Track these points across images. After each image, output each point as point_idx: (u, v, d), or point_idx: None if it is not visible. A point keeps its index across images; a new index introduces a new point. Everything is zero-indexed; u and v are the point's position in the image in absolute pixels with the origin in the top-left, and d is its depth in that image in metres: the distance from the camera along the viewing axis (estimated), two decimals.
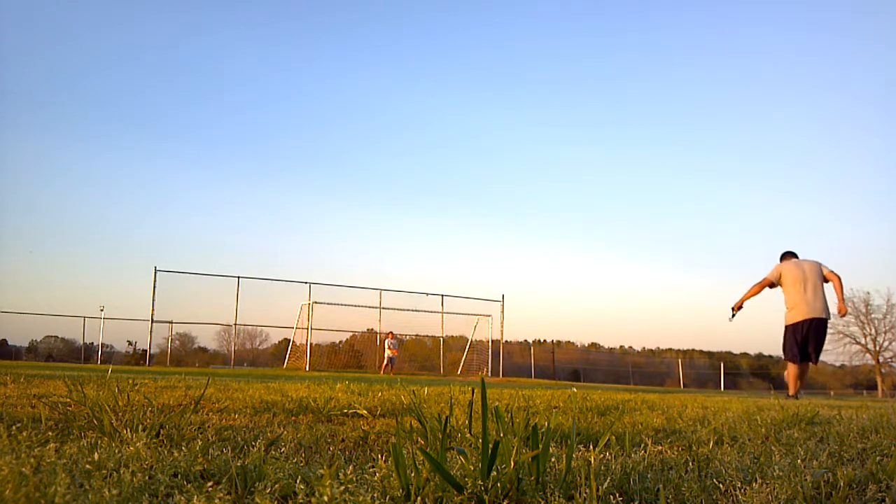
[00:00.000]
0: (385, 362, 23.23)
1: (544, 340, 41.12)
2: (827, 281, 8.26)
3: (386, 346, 23.58)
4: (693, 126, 56.47)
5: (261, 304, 27.83)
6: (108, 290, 51.69)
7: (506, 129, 54.91)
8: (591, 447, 1.89)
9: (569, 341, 48.98)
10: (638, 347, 54.67)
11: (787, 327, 8.36)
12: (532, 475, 1.36)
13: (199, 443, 1.65)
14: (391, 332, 24.07)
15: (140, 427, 1.84)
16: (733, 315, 8.76)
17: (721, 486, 1.49)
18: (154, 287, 22.36)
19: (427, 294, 27.34)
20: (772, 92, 56.16)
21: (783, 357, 8.52)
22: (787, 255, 8.66)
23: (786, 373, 8.59)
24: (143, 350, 27.63)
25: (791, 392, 8.29)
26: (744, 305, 8.65)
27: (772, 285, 8.50)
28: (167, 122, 50.98)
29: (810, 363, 8.29)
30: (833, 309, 8.31)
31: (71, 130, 47.65)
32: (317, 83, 51.14)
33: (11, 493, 1.12)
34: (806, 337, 8.17)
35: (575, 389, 5.85)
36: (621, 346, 53.99)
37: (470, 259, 57.40)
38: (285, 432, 2.16)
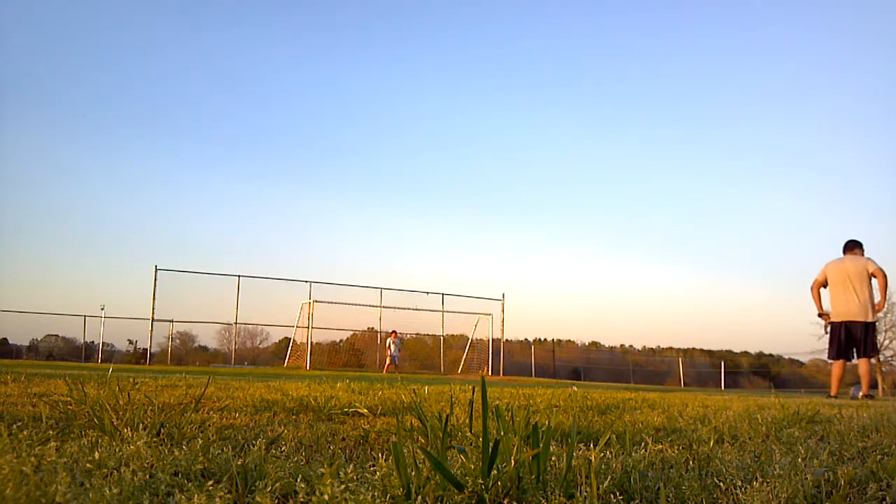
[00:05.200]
0: (388, 361, 23.22)
1: (545, 339, 41.12)
2: (874, 277, 8.31)
3: (389, 345, 23.55)
4: (693, 126, 56.43)
5: (261, 303, 27.90)
6: (109, 289, 51.78)
7: (507, 129, 54.88)
8: (592, 446, 1.89)
9: (569, 340, 49.02)
10: (638, 346, 54.71)
11: (831, 327, 8.56)
12: (532, 474, 1.36)
13: (200, 441, 1.65)
14: (394, 331, 24.06)
15: (141, 426, 1.85)
16: (826, 326, 8.81)
17: (721, 484, 1.49)
18: (155, 286, 22.40)
19: (428, 293, 27.37)
20: (771, 92, 56.12)
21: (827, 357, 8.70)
22: (849, 245, 8.60)
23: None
24: (143, 349, 27.68)
25: (832, 392, 8.37)
26: (824, 311, 8.70)
27: (824, 285, 8.59)
28: (168, 121, 50.96)
29: (863, 361, 8.31)
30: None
31: (72, 129, 47.62)
32: (317, 82, 51.11)
33: (12, 491, 1.12)
34: (842, 337, 8.31)
35: (575, 388, 5.85)
36: (622, 345, 54.03)
37: (471, 258, 57.42)
38: (286, 431, 2.16)
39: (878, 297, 8.38)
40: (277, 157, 54.68)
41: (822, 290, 8.63)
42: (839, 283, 8.37)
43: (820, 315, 8.69)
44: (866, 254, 8.53)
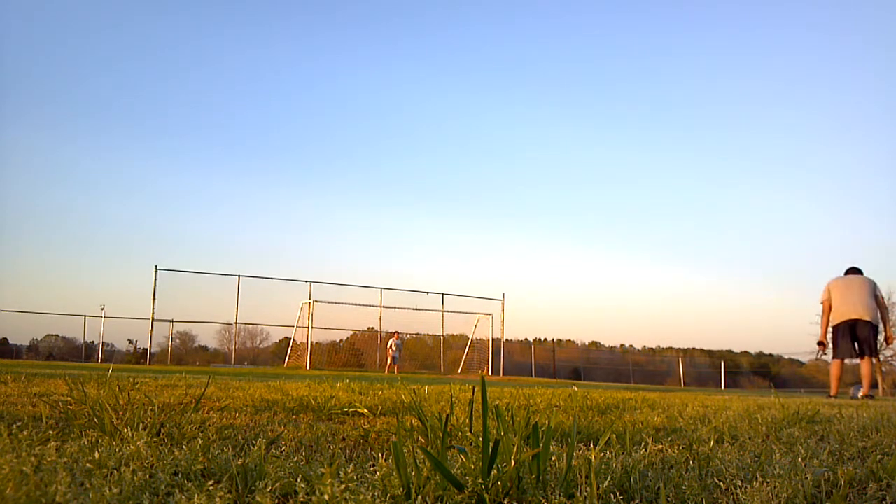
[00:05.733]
0: (389, 361, 23.25)
1: (545, 339, 41.12)
2: (878, 298, 8.50)
3: (391, 345, 23.57)
4: (693, 126, 56.46)
5: (261, 303, 27.92)
6: (109, 289, 51.80)
7: (507, 129, 54.90)
8: (592, 446, 1.89)
9: (569, 340, 49.03)
10: (638, 346, 54.72)
11: (833, 328, 8.69)
12: (533, 474, 1.36)
13: (200, 441, 1.65)
14: (397, 332, 24.08)
15: (141, 426, 1.85)
16: (823, 353, 8.99)
17: (722, 484, 1.48)
18: (155, 286, 22.42)
19: (428, 293, 27.38)
20: (771, 91, 56.12)
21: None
22: (851, 270, 8.84)
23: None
24: (143, 349, 27.71)
25: (832, 392, 8.51)
26: (826, 341, 8.86)
27: (831, 305, 8.72)
28: (168, 121, 51.03)
29: (865, 361, 8.45)
30: (876, 319, 8.55)
31: (72, 130, 47.69)
32: (317, 82, 51.12)
33: (13, 491, 1.12)
34: (847, 335, 8.44)
35: (575, 388, 5.85)
36: (622, 345, 54.05)
37: (471, 258, 57.46)
38: (286, 431, 2.16)
39: (880, 310, 8.56)
40: (277, 157, 54.75)
41: (829, 311, 8.77)
42: (844, 291, 8.56)
43: (820, 343, 8.86)
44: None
